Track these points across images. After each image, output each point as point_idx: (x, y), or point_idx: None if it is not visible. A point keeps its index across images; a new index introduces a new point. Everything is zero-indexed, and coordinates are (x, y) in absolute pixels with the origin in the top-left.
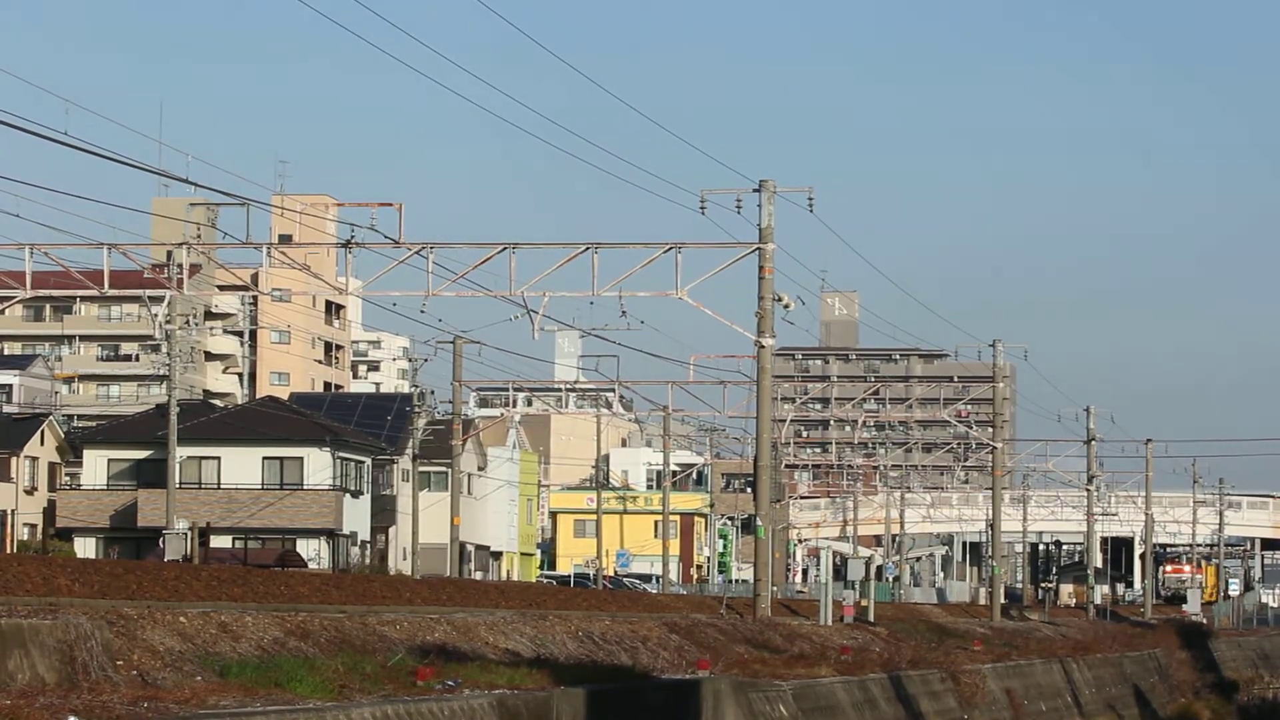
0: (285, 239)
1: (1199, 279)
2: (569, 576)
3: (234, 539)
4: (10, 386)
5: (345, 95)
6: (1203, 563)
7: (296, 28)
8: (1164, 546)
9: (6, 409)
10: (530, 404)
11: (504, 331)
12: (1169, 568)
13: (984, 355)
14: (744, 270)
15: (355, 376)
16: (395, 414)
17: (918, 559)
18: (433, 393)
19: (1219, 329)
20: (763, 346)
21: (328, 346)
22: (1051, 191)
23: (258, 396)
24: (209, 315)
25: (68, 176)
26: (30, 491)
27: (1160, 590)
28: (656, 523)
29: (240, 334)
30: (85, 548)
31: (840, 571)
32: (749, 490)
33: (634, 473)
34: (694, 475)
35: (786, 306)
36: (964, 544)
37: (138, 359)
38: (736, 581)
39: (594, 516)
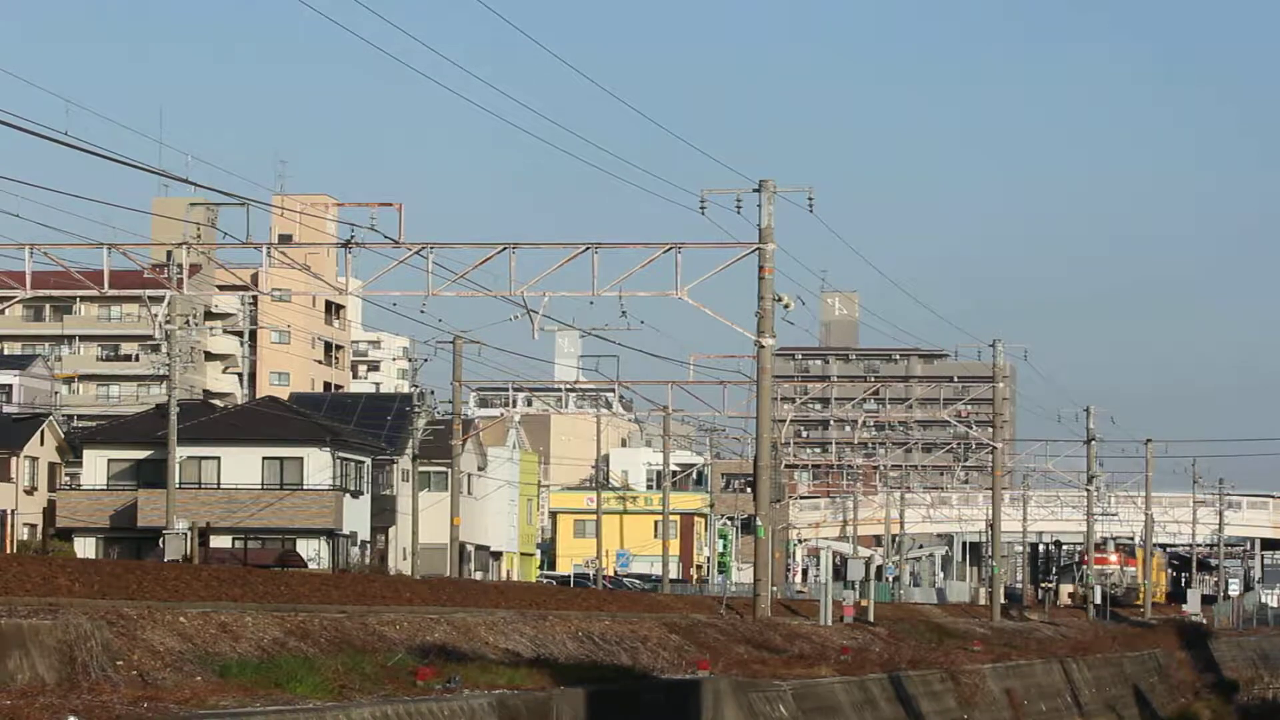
0: (285, 239)
1: (1199, 279)
2: (569, 576)
3: (234, 539)
4: (10, 386)
5: (345, 95)
6: (1138, 551)
7: (297, 28)
8: (1162, 546)
9: (6, 409)
10: (530, 404)
11: (504, 331)
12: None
13: (984, 355)
14: (744, 270)
15: (355, 376)
16: (395, 414)
17: (918, 559)
18: (433, 393)
19: (1219, 329)
20: (763, 346)
21: (328, 346)
22: (1051, 191)
23: (258, 396)
24: (209, 315)
25: (68, 176)
26: (30, 491)
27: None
28: (656, 523)
29: (240, 334)
30: (85, 548)
31: (840, 571)
32: (749, 490)
33: (634, 473)
34: (694, 475)
35: (786, 306)
36: (964, 544)
37: (138, 359)
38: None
39: (594, 516)
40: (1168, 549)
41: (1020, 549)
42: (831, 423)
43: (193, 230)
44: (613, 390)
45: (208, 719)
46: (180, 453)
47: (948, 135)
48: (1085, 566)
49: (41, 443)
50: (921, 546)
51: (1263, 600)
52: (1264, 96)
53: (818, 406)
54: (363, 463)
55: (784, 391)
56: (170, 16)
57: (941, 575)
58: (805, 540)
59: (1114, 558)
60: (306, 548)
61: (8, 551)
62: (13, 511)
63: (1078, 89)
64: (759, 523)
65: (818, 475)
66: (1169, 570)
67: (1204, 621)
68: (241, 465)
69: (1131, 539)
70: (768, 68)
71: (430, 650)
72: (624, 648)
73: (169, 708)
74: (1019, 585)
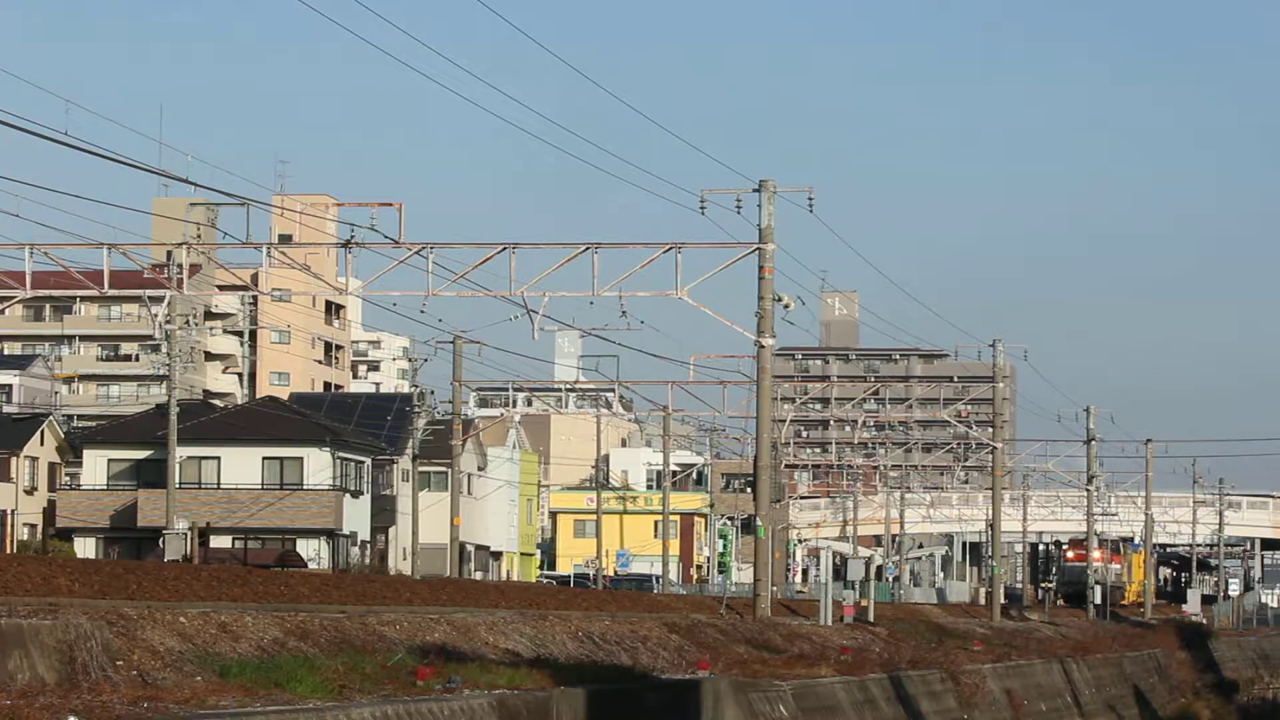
0: (285, 239)
1: (1199, 279)
2: (569, 577)
3: (234, 539)
4: (10, 386)
5: (345, 95)
6: (1123, 547)
7: (297, 27)
8: (1163, 546)
9: (6, 409)
10: (530, 404)
11: (504, 331)
12: (1071, 554)
13: (984, 355)
14: (744, 270)
15: (355, 376)
16: (395, 414)
17: (918, 559)
18: (433, 393)
19: (1218, 329)
20: (763, 346)
21: (328, 346)
22: (1051, 191)
23: (258, 396)
24: (209, 315)
25: (68, 176)
26: (30, 491)
27: (1061, 584)
28: (656, 523)
29: (240, 334)
30: (85, 548)
31: (840, 571)
32: (749, 490)
33: (634, 473)
34: (694, 475)
35: (786, 306)
36: (964, 544)
37: (138, 359)
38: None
39: (594, 516)
40: (1168, 548)
41: (1020, 549)
42: (831, 423)
43: (193, 230)
44: (613, 390)
45: (208, 719)
46: (180, 453)
47: (948, 135)
48: (1065, 563)
49: (41, 443)
50: (921, 546)
51: (1263, 600)
52: (1265, 95)
53: (818, 406)
54: (363, 463)
55: (784, 391)
56: (170, 16)
57: (941, 575)
58: (805, 540)
59: (1097, 554)
60: (306, 548)
61: (8, 551)
62: (13, 511)
63: (1078, 89)
64: (759, 523)
65: (818, 475)
66: (1159, 568)
67: (1204, 621)
68: (241, 465)
69: (1131, 537)
70: (768, 67)
71: (430, 650)
72: (624, 648)
73: (169, 708)
74: (1019, 585)
